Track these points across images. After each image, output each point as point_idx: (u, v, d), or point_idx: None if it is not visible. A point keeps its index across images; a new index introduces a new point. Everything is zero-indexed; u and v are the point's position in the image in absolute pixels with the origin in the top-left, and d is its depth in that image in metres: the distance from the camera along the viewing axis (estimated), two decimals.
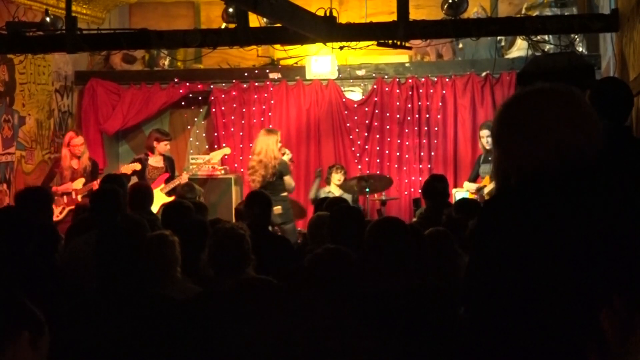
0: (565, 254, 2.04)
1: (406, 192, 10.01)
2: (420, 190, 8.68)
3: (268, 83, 10.20)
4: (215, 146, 10.12)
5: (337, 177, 9.19)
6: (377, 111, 10.05)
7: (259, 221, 5.70)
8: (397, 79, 10.00)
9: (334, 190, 9.12)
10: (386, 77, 10.07)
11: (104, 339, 3.39)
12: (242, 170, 10.18)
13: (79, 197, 8.50)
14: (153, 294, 3.67)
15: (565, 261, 2.04)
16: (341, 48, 7.24)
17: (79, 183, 8.61)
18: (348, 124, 10.10)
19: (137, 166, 8.85)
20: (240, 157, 10.24)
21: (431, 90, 9.95)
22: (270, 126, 10.13)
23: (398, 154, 10.03)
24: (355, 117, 10.09)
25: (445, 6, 7.17)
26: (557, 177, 2.11)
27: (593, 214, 2.08)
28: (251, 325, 2.61)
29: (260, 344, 2.59)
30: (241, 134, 10.26)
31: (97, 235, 3.76)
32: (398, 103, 9.99)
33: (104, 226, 4.16)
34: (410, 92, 9.99)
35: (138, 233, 4.21)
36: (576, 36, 8.78)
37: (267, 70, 10.21)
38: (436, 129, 9.96)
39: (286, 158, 8.70)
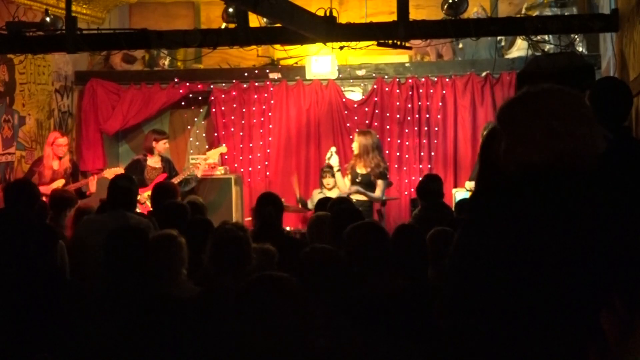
0: (566, 254, 2.04)
1: (406, 192, 9.99)
2: (413, 189, 8.66)
3: (268, 83, 10.20)
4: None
5: (326, 182, 8.98)
6: (377, 111, 10.04)
7: (272, 220, 5.72)
8: (397, 79, 9.99)
9: (327, 193, 8.79)
10: (386, 77, 10.06)
11: (108, 338, 3.40)
12: (242, 170, 10.18)
13: None
14: (160, 293, 3.68)
15: (565, 261, 2.04)
16: (341, 48, 7.24)
17: (58, 184, 8.51)
18: (348, 124, 10.09)
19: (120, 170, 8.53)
20: (240, 157, 10.24)
21: (431, 90, 9.94)
22: (271, 126, 10.15)
23: (398, 154, 10.02)
24: (355, 117, 10.08)
25: (445, 6, 7.17)
26: (558, 177, 2.10)
27: (593, 214, 2.08)
28: (260, 323, 2.60)
29: (263, 343, 2.58)
30: (241, 134, 10.25)
31: (107, 236, 3.78)
32: (398, 103, 9.98)
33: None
34: (410, 92, 9.98)
35: (146, 233, 4.23)
36: (576, 36, 8.77)
37: (267, 70, 10.21)
38: (436, 129, 9.95)
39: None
